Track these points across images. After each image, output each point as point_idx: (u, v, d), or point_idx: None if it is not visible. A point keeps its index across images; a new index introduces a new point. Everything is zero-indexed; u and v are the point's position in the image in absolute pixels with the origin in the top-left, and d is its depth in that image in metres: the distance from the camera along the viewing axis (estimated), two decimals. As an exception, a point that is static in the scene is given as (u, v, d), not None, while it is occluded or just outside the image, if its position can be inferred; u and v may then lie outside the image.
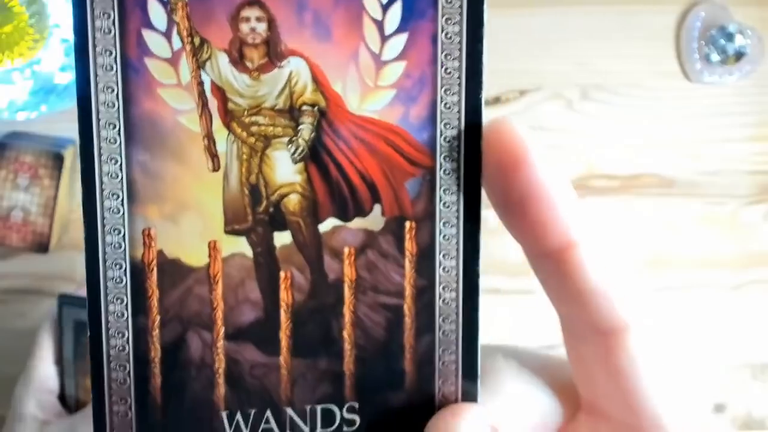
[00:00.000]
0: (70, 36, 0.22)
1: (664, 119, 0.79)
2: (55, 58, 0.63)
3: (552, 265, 0.23)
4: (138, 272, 0.23)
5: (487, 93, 0.23)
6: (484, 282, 0.24)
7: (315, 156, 0.23)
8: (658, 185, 0.79)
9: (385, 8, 0.23)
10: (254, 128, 0.23)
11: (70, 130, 0.72)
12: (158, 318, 0.23)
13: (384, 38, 0.23)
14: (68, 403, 0.63)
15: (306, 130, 0.23)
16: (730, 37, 0.77)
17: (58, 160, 0.70)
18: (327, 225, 0.24)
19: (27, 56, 0.62)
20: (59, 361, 0.63)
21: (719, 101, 0.79)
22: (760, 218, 0.80)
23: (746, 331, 0.80)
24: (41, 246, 0.71)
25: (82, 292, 0.63)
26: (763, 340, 0.80)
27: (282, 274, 0.24)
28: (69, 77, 0.64)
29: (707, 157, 0.80)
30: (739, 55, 0.77)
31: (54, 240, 0.72)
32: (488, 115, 0.23)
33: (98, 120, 0.22)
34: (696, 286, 0.80)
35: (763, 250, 0.80)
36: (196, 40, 0.22)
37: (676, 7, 0.79)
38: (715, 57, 0.77)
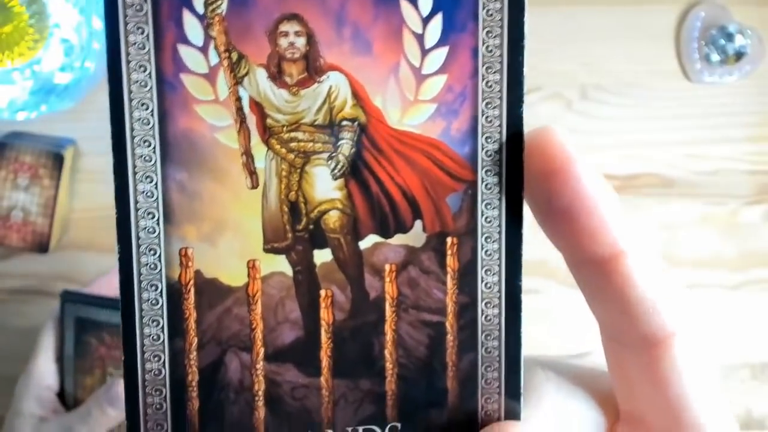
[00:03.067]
0: (104, 51, 0.21)
1: (664, 119, 0.79)
2: (55, 58, 0.63)
3: (598, 273, 0.22)
4: (174, 293, 0.23)
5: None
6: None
7: (355, 172, 0.23)
8: (658, 185, 0.80)
9: (425, 21, 0.22)
10: (293, 144, 0.23)
11: (70, 130, 0.72)
12: (196, 340, 0.23)
13: (424, 52, 0.22)
14: (67, 401, 0.62)
15: (346, 146, 0.23)
16: (730, 37, 0.77)
17: (58, 160, 0.70)
18: (368, 242, 0.23)
19: (27, 56, 0.61)
20: (60, 358, 0.62)
21: (719, 101, 0.79)
22: (760, 218, 0.80)
23: (746, 331, 0.80)
24: (41, 246, 0.71)
25: (87, 288, 0.63)
26: (763, 340, 0.81)
27: (322, 292, 0.23)
28: (69, 77, 0.64)
29: (707, 157, 0.80)
30: (739, 55, 0.77)
31: (54, 240, 0.72)
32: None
33: (132, 137, 0.22)
34: (696, 286, 0.80)
35: (763, 250, 0.80)
36: (234, 55, 0.22)
37: (676, 7, 0.79)
38: (715, 57, 0.77)
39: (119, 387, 0.56)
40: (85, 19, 0.62)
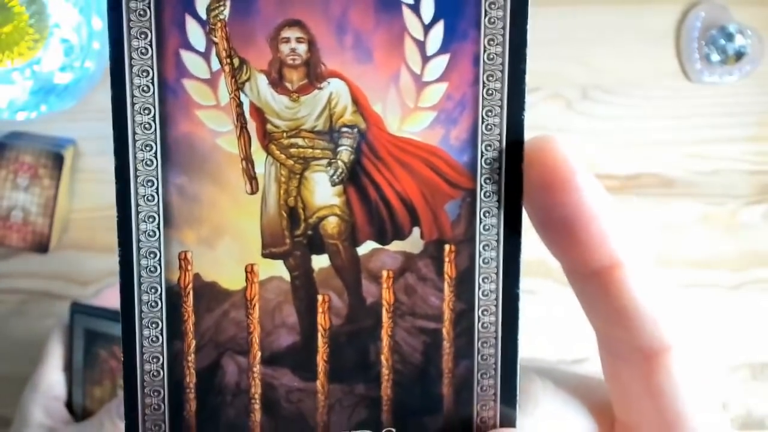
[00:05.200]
0: (104, 52, 0.21)
1: (664, 119, 0.79)
2: (55, 58, 0.62)
3: (596, 284, 0.23)
4: (174, 296, 0.23)
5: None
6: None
7: (354, 178, 0.23)
8: (658, 185, 0.79)
9: (427, 29, 0.22)
10: (293, 150, 0.23)
11: (70, 130, 0.72)
12: (194, 342, 0.23)
13: (425, 59, 0.22)
14: (75, 411, 0.62)
15: (345, 152, 0.23)
16: (730, 37, 0.77)
17: (58, 160, 0.69)
18: (365, 248, 0.23)
19: (27, 56, 0.61)
20: (68, 368, 0.62)
21: (719, 101, 0.79)
22: (759, 218, 0.80)
23: (746, 331, 0.80)
24: (41, 246, 0.71)
25: (95, 301, 0.63)
26: (763, 340, 0.81)
27: (320, 297, 0.23)
28: (69, 77, 0.64)
29: (707, 157, 0.79)
30: (739, 55, 0.77)
31: (54, 240, 0.71)
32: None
33: (134, 141, 0.22)
34: (696, 286, 0.80)
35: (762, 250, 0.80)
36: (235, 61, 0.22)
37: (676, 7, 0.78)
38: (715, 57, 0.77)
39: None
40: (85, 19, 0.62)
